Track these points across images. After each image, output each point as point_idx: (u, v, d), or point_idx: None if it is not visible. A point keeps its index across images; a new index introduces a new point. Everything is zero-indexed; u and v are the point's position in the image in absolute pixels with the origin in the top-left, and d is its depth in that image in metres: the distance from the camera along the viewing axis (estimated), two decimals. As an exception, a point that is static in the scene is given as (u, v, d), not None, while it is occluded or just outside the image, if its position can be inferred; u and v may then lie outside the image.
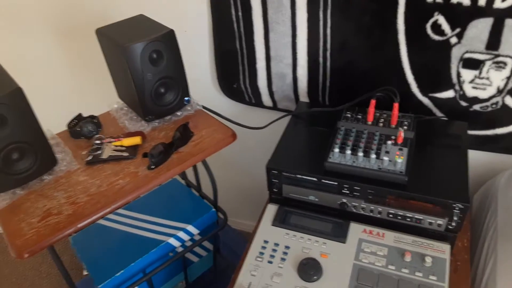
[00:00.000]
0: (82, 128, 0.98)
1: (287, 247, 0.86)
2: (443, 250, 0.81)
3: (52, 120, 1.01)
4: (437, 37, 0.93)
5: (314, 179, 0.88)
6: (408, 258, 0.79)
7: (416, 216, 0.83)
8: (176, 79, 0.98)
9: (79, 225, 0.79)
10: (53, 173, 0.89)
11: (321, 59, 1.09)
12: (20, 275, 1.76)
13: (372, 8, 0.95)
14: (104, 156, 0.92)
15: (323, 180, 0.87)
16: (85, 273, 1.05)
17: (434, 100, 1.03)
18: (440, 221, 0.82)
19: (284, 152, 0.96)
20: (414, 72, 1.00)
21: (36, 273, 1.77)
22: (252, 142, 1.39)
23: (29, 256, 0.75)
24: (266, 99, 1.26)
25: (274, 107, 1.28)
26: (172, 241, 1.08)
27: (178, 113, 1.03)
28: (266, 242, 0.88)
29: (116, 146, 0.94)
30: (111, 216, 1.15)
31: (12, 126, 0.78)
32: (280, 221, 0.91)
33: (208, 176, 1.08)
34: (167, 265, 1.06)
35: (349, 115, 0.97)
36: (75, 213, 0.80)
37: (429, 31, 0.93)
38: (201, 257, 1.24)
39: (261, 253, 0.86)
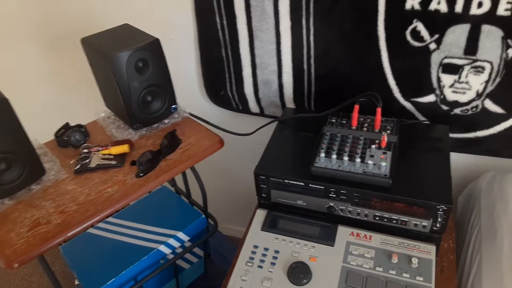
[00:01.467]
0: (70, 137, 0.98)
1: (276, 252, 0.87)
2: (428, 251, 0.83)
3: (39, 129, 1.01)
4: (416, 43, 0.96)
5: (301, 183, 0.89)
6: (395, 259, 0.81)
7: (401, 218, 0.85)
8: (162, 87, 0.99)
9: (68, 234, 0.79)
10: (41, 182, 0.89)
11: (305, 66, 1.11)
12: (11, 286, 1.73)
13: (353, 16, 0.97)
14: (92, 164, 0.92)
15: (310, 185, 0.88)
16: (76, 282, 1.04)
17: (416, 105, 1.05)
18: (425, 223, 0.84)
19: (271, 157, 0.97)
20: (395, 78, 1.03)
21: (27, 284, 1.74)
22: (240, 148, 1.40)
23: (19, 266, 0.74)
24: (253, 105, 1.28)
25: (261, 114, 1.30)
26: (163, 248, 1.08)
27: (166, 121, 1.04)
28: (256, 247, 0.89)
29: (104, 154, 0.95)
30: (101, 224, 1.14)
31: (-1, 137, 0.78)
32: (269, 226, 0.92)
33: (197, 183, 1.09)
34: (158, 272, 1.06)
35: (334, 120, 0.99)
36: (64, 222, 0.80)
37: (408, 37, 0.96)
38: (192, 264, 1.24)
39: (251, 258, 0.87)
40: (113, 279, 1.00)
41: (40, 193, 0.87)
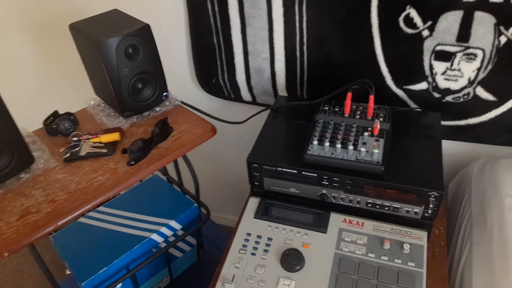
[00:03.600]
0: (59, 125, 0.96)
1: (269, 239, 0.87)
2: (420, 237, 0.83)
3: (28, 117, 0.99)
4: (409, 30, 0.95)
5: (294, 171, 0.89)
6: (387, 246, 0.82)
7: (393, 205, 0.85)
8: (153, 74, 0.97)
9: (59, 223, 0.78)
10: (31, 171, 0.87)
11: (298, 53, 1.10)
12: (1, 277, 1.72)
13: (346, 2, 0.96)
14: (82, 153, 0.91)
15: (303, 172, 0.88)
16: (67, 272, 1.03)
17: (408, 92, 1.05)
18: (416, 209, 0.84)
19: (264, 145, 0.96)
20: (388, 65, 1.02)
21: (18, 274, 1.73)
22: (232, 137, 1.40)
23: (8, 255, 0.73)
24: (245, 93, 1.27)
25: (253, 102, 1.29)
26: (155, 237, 1.08)
27: (157, 109, 1.03)
28: (248, 234, 0.89)
29: (94, 142, 0.93)
30: (92, 214, 1.13)
31: (-14, 125, 0.76)
32: (262, 213, 0.92)
33: (189, 171, 1.08)
34: (150, 261, 1.06)
35: (326, 108, 0.99)
36: (54, 211, 0.79)
37: (401, 24, 0.95)
38: (184, 252, 1.24)
39: (244, 246, 0.87)
40: (105, 268, 1.00)
41: (30, 182, 0.86)
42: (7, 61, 1.53)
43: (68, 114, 0.99)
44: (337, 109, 0.98)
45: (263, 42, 1.12)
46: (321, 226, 0.88)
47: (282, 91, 1.21)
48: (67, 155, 0.91)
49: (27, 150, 0.86)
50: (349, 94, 0.94)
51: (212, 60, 1.22)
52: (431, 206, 0.83)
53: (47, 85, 1.57)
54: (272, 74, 1.18)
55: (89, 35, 0.90)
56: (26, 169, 0.87)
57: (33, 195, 0.83)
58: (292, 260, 0.81)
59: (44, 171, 0.88)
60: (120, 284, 1.03)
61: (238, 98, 1.29)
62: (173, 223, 1.10)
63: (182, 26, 1.20)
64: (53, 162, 0.90)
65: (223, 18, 1.11)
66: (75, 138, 0.95)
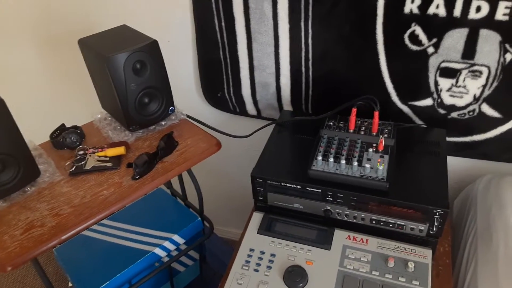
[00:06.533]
0: (65, 138, 0.97)
1: (272, 255, 0.86)
2: (425, 255, 0.82)
3: (35, 130, 1.01)
4: (414, 47, 0.96)
5: (298, 186, 0.89)
6: (391, 263, 0.81)
7: (398, 222, 0.85)
8: (160, 89, 0.98)
9: (63, 237, 0.78)
10: (36, 184, 0.88)
11: (303, 69, 1.11)
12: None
13: (352, 19, 0.97)
14: (88, 166, 0.92)
15: (307, 188, 0.88)
16: (70, 285, 1.03)
17: (413, 108, 1.05)
18: (421, 227, 0.83)
19: (268, 160, 0.97)
20: (393, 81, 1.03)
21: (20, 285, 1.73)
22: (237, 151, 1.40)
23: (12, 269, 0.74)
24: (250, 107, 1.27)
25: (259, 116, 1.30)
26: (158, 251, 1.08)
27: (163, 123, 1.04)
28: (252, 250, 0.88)
29: (100, 156, 0.94)
30: (95, 226, 1.14)
31: (-6, 138, 0.77)
32: (265, 229, 0.92)
33: (193, 185, 1.08)
34: (153, 276, 1.05)
35: (331, 123, 0.99)
36: (59, 225, 0.80)
37: (407, 41, 0.96)
38: (187, 267, 1.23)
39: (247, 262, 0.86)
40: (108, 282, 0.99)
41: (35, 195, 0.86)
42: (17, 73, 1.55)
43: (75, 127, 1.00)
44: (342, 125, 0.98)
45: (269, 57, 1.12)
46: (325, 242, 0.87)
47: (287, 106, 1.21)
48: (73, 168, 0.91)
49: (34, 163, 0.87)
50: (354, 110, 0.94)
51: (218, 75, 1.23)
52: (436, 223, 0.82)
53: (55, 97, 1.59)
54: (278, 88, 1.18)
55: (97, 50, 0.91)
56: (32, 182, 0.87)
57: (37, 208, 0.83)
58: (295, 277, 0.81)
59: (50, 184, 0.89)
60: (122, 298, 1.03)
61: (243, 112, 1.30)
62: (176, 237, 1.10)
63: (189, 41, 1.22)
64: (58, 175, 0.90)
65: (230, 34, 1.12)
66: (81, 152, 0.95)
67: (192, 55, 1.25)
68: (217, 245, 1.40)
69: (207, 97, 1.32)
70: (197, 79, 1.30)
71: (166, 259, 1.10)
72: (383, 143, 0.89)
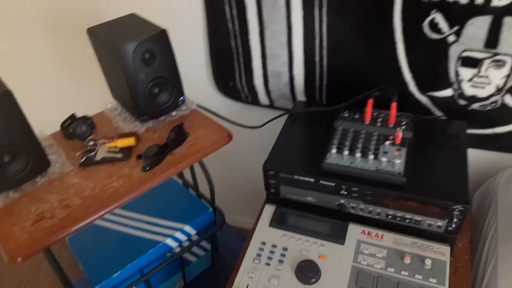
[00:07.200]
0: (76, 129, 0.96)
1: (284, 249, 0.85)
2: (442, 252, 0.80)
3: (46, 119, 1.00)
4: (434, 36, 0.91)
5: (312, 180, 0.86)
6: (407, 260, 0.78)
7: (415, 218, 0.82)
8: (170, 79, 0.96)
9: (72, 229, 0.78)
10: (46, 175, 0.87)
11: (317, 58, 1.08)
12: (20, 272, 1.74)
13: (368, 6, 0.93)
14: (98, 158, 0.91)
15: (321, 181, 0.86)
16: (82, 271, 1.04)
17: (432, 99, 1.01)
18: (439, 223, 0.80)
19: (281, 152, 0.94)
20: (411, 71, 0.99)
21: (36, 271, 1.75)
22: (248, 141, 1.38)
23: (22, 260, 0.73)
24: (262, 97, 1.25)
25: (271, 106, 1.27)
26: (169, 242, 1.07)
27: (173, 113, 1.02)
28: (263, 243, 0.87)
29: (110, 147, 0.93)
30: (107, 216, 1.13)
31: (2, 129, 0.76)
32: (277, 222, 0.90)
33: (204, 175, 1.07)
34: (164, 266, 1.05)
35: (346, 115, 0.96)
36: (68, 216, 0.79)
37: (426, 29, 0.91)
38: (199, 257, 1.23)
39: (259, 255, 0.85)
40: (119, 272, 0.99)
41: (45, 186, 0.86)
42: (27, 62, 1.55)
43: (85, 118, 0.99)
44: (357, 116, 0.95)
45: (281, 46, 1.09)
46: (338, 237, 0.85)
47: (301, 96, 1.18)
48: (83, 159, 0.91)
49: (44, 154, 0.86)
50: (371, 101, 0.91)
51: (229, 64, 1.21)
52: (455, 220, 0.79)
53: (66, 86, 1.58)
54: (291, 78, 1.15)
55: (106, 40, 0.89)
56: (42, 173, 0.87)
57: (48, 199, 0.83)
58: (307, 272, 0.79)
59: (60, 175, 0.88)
60: (134, 288, 1.02)
61: (255, 102, 1.28)
62: (187, 228, 1.09)
63: (200, 30, 1.19)
64: (68, 166, 0.90)
65: (241, 22, 1.09)
66: (91, 143, 0.94)
67: (203, 44, 1.23)
68: (228, 235, 1.39)
69: (219, 87, 1.30)
70: (208, 69, 1.28)
71: (178, 249, 1.10)
72: (401, 135, 0.86)
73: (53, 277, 1.71)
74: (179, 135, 0.94)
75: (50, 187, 0.86)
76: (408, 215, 0.82)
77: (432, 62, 0.96)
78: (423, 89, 1.01)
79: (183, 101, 1.02)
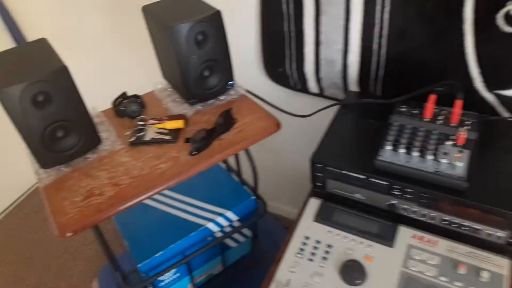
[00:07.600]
0: (126, 107, 0.97)
1: (329, 246, 0.82)
2: (501, 265, 0.74)
3: (99, 96, 1.01)
4: (508, 29, 0.83)
5: (362, 177, 0.82)
6: (462, 270, 0.73)
7: (473, 226, 0.76)
8: (221, 62, 0.94)
9: (120, 208, 0.78)
10: (97, 152, 0.89)
11: (375, 46, 1.02)
12: (66, 241, 1.82)
13: (438, -7, 0.86)
14: (147, 138, 0.91)
15: (372, 179, 0.81)
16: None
17: (500, 98, 0.93)
18: (500, 233, 0.75)
19: (330, 144, 0.90)
20: (479, 66, 0.91)
21: (82, 239, 1.83)
22: (295, 130, 1.34)
23: (71, 235, 0.75)
24: (312, 85, 1.21)
25: (320, 94, 1.23)
26: (211, 226, 1.07)
27: (222, 98, 1.00)
28: (307, 238, 0.84)
29: (159, 128, 0.93)
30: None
31: (57, 104, 0.77)
32: (322, 217, 0.87)
33: (248, 162, 1.05)
34: (205, 250, 1.05)
35: (403, 109, 0.90)
36: (117, 195, 0.80)
37: (500, 21, 0.83)
38: (239, 243, 1.23)
39: (302, 250, 0.82)
40: (162, 251, 1.00)
41: (96, 163, 0.87)
42: (82, 38, 1.58)
43: (136, 96, 0.99)
44: (416, 112, 0.89)
45: (337, 32, 1.04)
46: (387, 238, 0.81)
47: (353, 86, 1.13)
48: (133, 138, 0.91)
49: (95, 131, 0.87)
50: (433, 97, 0.84)
51: (280, 49, 1.17)
52: (518, 231, 0.73)
53: (119, 63, 1.60)
54: (344, 66, 1.10)
55: (160, 19, 0.88)
56: (93, 150, 0.88)
57: (98, 176, 0.84)
58: (353, 272, 0.76)
59: (110, 152, 0.89)
60: (174, 269, 1.03)
61: (304, 89, 1.24)
62: (229, 214, 1.09)
63: (253, 11, 1.16)
64: (118, 144, 0.90)
65: (297, 5, 1.05)
66: (140, 122, 0.95)
67: (254, 26, 1.19)
68: (269, 223, 1.38)
69: (268, 71, 1.26)
70: (258, 52, 1.25)
71: (219, 234, 1.10)
72: (464, 136, 0.79)
73: (98, 248, 1.77)
74: (227, 120, 0.92)
75: (101, 164, 0.87)
76: (466, 223, 0.77)
77: (503, 58, 0.88)
78: (490, 86, 0.93)
79: (232, 85, 1.00)
